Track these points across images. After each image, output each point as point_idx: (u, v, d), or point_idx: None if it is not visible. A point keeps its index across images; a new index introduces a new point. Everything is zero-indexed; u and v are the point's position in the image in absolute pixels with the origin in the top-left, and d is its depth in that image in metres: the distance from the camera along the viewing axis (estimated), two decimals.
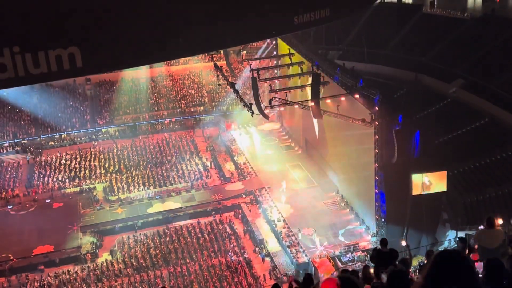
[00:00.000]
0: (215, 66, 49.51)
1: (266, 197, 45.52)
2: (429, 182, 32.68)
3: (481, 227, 12.61)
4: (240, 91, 44.17)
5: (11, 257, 40.70)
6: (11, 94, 57.69)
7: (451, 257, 3.25)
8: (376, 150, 34.62)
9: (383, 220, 35.51)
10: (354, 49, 53.17)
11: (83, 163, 53.88)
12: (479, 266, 8.63)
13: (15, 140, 57.19)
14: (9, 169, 53.67)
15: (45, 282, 38.58)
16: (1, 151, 56.51)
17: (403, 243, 16.14)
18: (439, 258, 3.28)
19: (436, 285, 3.17)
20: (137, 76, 64.02)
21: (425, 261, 12.38)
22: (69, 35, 9.51)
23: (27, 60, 9.00)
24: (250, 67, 42.92)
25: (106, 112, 61.07)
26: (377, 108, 33.29)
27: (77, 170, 52.59)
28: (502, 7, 53.22)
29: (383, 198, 34.89)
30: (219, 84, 53.80)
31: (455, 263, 3.20)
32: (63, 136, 58.67)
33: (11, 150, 56.85)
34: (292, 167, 50.19)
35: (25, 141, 57.43)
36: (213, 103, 62.91)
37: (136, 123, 60.55)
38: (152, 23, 10.60)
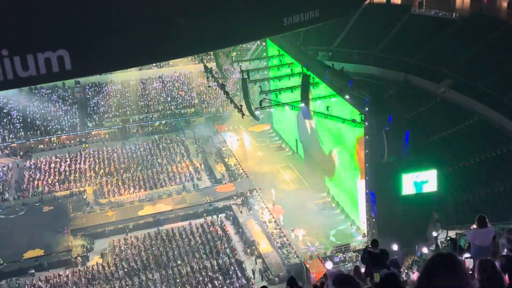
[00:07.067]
0: (205, 67, 49.33)
1: (257, 198, 45.48)
2: None
3: (473, 226, 12.64)
4: (230, 93, 44.11)
5: (1, 261, 40.43)
6: None
7: (444, 260, 3.26)
8: (366, 151, 34.70)
9: (373, 220, 35.58)
10: (344, 50, 53.37)
11: (73, 166, 53.65)
12: (469, 263, 8.75)
13: (4, 144, 56.79)
14: None
15: (36, 286, 38.37)
16: None
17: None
18: (433, 261, 3.29)
19: (430, 287, 3.18)
20: (127, 78, 63.81)
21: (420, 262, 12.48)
22: (58, 37, 9.44)
23: (16, 63, 8.92)
24: (240, 68, 42.90)
25: (95, 115, 60.81)
26: (367, 109, 33.39)
27: (67, 173, 52.33)
28: (490, 7, 53.57)
29: (374, 198, 34.93)
30: (209, 86, 53.72)
31: (449, 266, 3.21)
32: (52, 139, 58.40)
33: (0, 153, 56.44)
34: (283, 168, 50.19)
35: (14, 145, 57.07)
36: (203, 105, 62.83)
37: (126, 126, 60.34)
38: (142, 24, 10.55)
